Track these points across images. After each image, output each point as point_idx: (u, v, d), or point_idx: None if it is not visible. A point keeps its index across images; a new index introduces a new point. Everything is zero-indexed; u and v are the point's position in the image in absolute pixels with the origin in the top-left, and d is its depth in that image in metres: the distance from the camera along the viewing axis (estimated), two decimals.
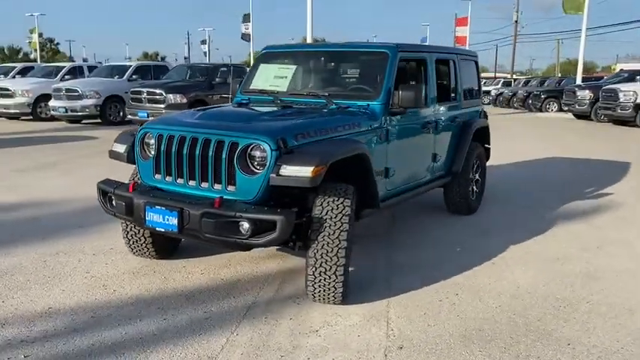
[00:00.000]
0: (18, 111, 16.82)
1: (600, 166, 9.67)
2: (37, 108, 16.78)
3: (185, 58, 67.72)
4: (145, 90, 13.89)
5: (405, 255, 4.81)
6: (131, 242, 4.41)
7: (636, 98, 16.53)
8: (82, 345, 3.18)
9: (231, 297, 3.89)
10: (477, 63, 6.59)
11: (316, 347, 3.22)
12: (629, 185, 7.96)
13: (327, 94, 4.67)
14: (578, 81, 23.82)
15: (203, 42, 52.52)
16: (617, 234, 5.54)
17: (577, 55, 25.19)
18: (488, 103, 35.50)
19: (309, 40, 17.09)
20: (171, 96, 13.55)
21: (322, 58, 5.25)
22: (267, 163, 3.51)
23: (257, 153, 3.56)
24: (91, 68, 19.01)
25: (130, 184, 3.97)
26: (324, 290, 3.61)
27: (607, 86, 18.25)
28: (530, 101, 26.64)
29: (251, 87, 5.19)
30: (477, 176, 6.32)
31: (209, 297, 3.88)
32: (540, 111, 25.02)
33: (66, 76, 17.92)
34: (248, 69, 5.48)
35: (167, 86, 13.98)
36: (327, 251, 3.51)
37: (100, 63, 25.69)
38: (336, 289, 3.60)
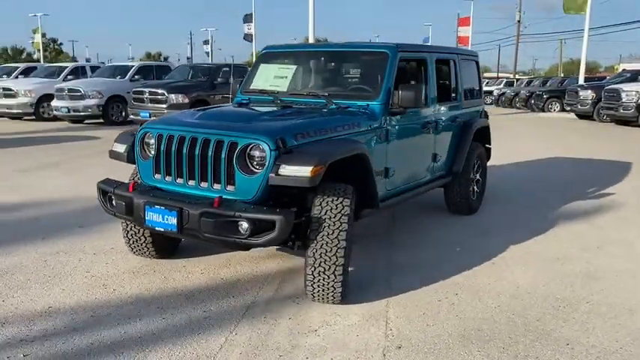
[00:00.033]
0: (21, 111, 16.87)
1: (602, 166, 9.65)
2: (39, 108, 16.85)
3: (188, 58, 67.89)
4: (147, 90, 13.92)
5: (404, 255, 4.82)
6: (131, 242, 4.42)
7: (639, 98, 16.49)
8: (81, 344, 3.19)
9: (231, 296, 3.90)
10: (477, 63, 6.58)
11: (315, 347, 3.22)
12: (631, 185, 7.94)
13: (327, 94, 4.67)
14: (581, 81, 23.76)
15: (205, 42, 52.53)
16: (618, 234, 5.53)
17: (580, 55, 25.16)
18: (491, 103, 35.46)
19: (310, 40, 17.09)
20: (173, 96, 13.58)
21: (322, 58, 5.26)
22: (267, 163, 3.51)
23: (256, 153, 3.57)
24: (93, 68, 19.07)
25: (129, 183, 3.98)
26: (323, 290, 3.61)
27: (609, 86, 18.21)
28: (532, 101, 26.59)
29: (251, 87, 5.19)
30: (478, 176, 6.31)
31: (208, 296, 3.89)
32: (543, 111, 24.98)
33: (68, 77, 17.98)
34: (249, 69, 5.48)
35: (169, 86, 14.01)
36: (326, 251, 3.52)
37: (103, 63, 25.75)
38: (335, 288, 3.60)
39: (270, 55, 5.43)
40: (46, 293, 3.89)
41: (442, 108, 5.49)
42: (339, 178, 3.83)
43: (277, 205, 3.60)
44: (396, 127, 4.65)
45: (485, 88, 38.15)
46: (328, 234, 3.52)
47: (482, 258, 4.72)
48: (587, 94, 19.60)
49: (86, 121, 16.40)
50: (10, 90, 16.80)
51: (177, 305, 3.74)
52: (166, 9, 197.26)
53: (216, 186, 3.67)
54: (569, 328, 3.49)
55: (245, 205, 3.51)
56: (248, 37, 30.51)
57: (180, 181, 3.82)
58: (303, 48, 5.46)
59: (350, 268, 3.95)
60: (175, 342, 3.24)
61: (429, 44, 5.76)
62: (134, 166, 4.22)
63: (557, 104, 24.50)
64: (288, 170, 3.46)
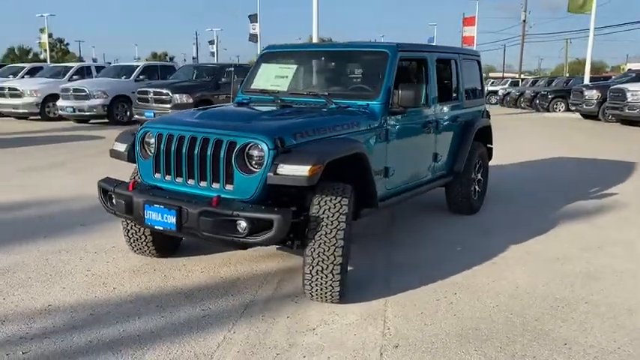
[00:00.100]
0: (26, 111, 16.95)
1: (606, 167, 9.62)
2: (45, 108, 16.92)
3: (193, 58, 68.01)
4: (151, 90, 13.98)
5: (404, 254, 4.82)
6: (132, 240, 4.44)
7: None
8: (80, 342, 3.21)
9: (230, 295, 3.92)
10: (479, 63, 6.58)
11: (312, 345, 3.23)
12: (634, 185, 7.91)
13: (327, 93, 4.68)
14: (586, 81, 23.68)
15: (211, 42, 52.72)
16: (619, 234, 5.51)
17: (586, 55, 25.04)
18: (496, 103, 35.41)
19: (315, 40, 17.11)
20: (177, 96, 13.63)
21: (323, 58, 5.27)
22: (265, 162, 3.53)
23: (255, 152, 3.58)
24: (99, 68, 19.16)
25: (129, 182, 4.01)
26: (322, 289, 3.62)
27: (615, 86, 18.13)
28: (537, 101, 26.52)
29: (252, 87, 5.21)
30: (479, 176, 6.30)
31: (208, 295, 3.91)
32: (548, 111, 24.89)
33: (74, 77, 18.06)
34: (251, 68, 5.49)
35: (173, 86, 14.06)
36: (324, 250, 3.53)
37: (109, 63, 25.83)
38: (333, 287, 3.61)
39: (271, 55, 5.44)
40: (47, 291, 3.92)
41: (443, 107, 5.49)
42: (339, 178, 3.83)
43: (276, 205, 3.61)
44: (396, 126, 4.66)
45: (490, 88, 38.41)
46: (326, 233, 3.53)
47: (482, 258, 4.72)
48: (593, 94, 19.52)
49: (91, 121, 16.47)
50: (16, 90, 16.89)
51: (177, 304, 3.76)
52: (173, 9, 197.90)
53: (215, 185, 3.69)
54: (568, 328, 3.48)
55: (243, 204, 3.52)
56: (253, 39, 30.56)
57: (179, 180, 3.84)
58: (303, 48, 5.48)
59: (349, 268, 3.98)
60: (174, 340, 3.26)
61: (429, 44, 5.74)
62: (135, 165, 4.25)
63: (563, 104, 24.42)
64: (286, 169, 3.47)
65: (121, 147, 4.24)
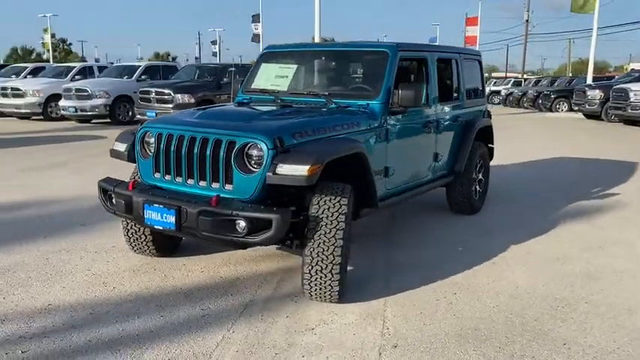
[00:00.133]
0: (29, 111, 16.99)
1: (609, 167, 9.59)
2: (47, 108, 16.97)
3: (196, 58, 68.10)
4: (153, 90, 14.00)
5: (404, 254, 4.81)
6: (132, 240, 4.45)
7: None
8: (79, 341, 3.21)
9: (229, 295, 3.92)
10: (480, 62, 6.57)
11: (311, 345, 3.23)
12: (636, 185, 7.90)
13: (327, 93, 4.68)
14: (589, 80, 23.62)
15: (213, 42, 52.75)
16: (620, 234, 5.50)
17: (589, 55, 24.99)
18: (498, 103, 35.37)
19: (317, 40, 17.10)
20: (179, 96, 13.65)
21: (323, 58, 5.27)
22: (264, 162, 3.53)
23: (254, 152, 3.58)
24: (101, 68, 19.18)
25: (129, 182, 4.01)
26: (321, 288, 3.62)
27: (617, 86, 18.09)
28: (540, 101, 26.45)
29: (252, 86, 5.21)
30: (480, 176, 6.29)
31: (207, 295, 3.91)
32: (550, 111, 24.84)
33: (76, 77, 18.10)
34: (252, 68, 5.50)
35: (175, 86, 14.08)
36: (323, 250, 3.52)
37: (112, 63, 25.91)
38: (332, 287, 3.61)
39: (271, 55, 5.45)
40: (47, 291, 3.92)
41: (444, 107, 5.48)
42: (339, 178, 3.83)
43: (276, 204, 3.61)
44: (396, 126, 4.65)
45: (492, 88, 38.35)
46: (325, 233, 3.53)
47: (482, 258, 4.71)
48: (595, 94, 19.48)
49: (93, 121, 16.51)
50: (19, 90, 16.94)
51: (176, 303, 3.77)
52: (175, 9, 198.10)
53: (215, 185, 3.69)
54: (567, 328, 3.47)
55: (242, 203, 3.52)
56: (255, 38, 30.55)
57: (179, 179, 3.84)
58: (303, 47, 5.47)
59: (349, 267, 3.98)
60: (173, 340, 3.26)
61: (429, 43, 5.74)
62: (135, 165, 4.25)
63: (565, 104, 24.36)
64: (285, 169, 3.47)
65: (121, 147, 4.25)
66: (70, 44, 76.97)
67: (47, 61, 43.46)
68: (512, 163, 9.44)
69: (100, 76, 17.88)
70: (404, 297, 3.91)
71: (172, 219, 3.62)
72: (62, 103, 16.09)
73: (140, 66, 17.64)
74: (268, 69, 5.29)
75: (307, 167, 3.43)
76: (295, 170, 3.45)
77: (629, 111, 16.84)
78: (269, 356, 3.10)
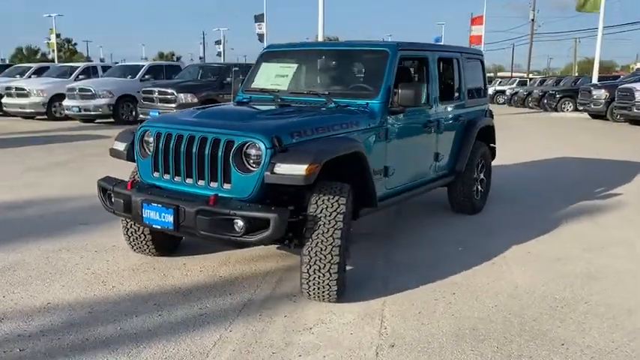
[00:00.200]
0: (33, 110, 17.06)
1: (613, 167, 9.55)
2: (51, 107, 17.03)
3: (200, 58, 68.17)
4: (156, 90, 14.03)
5: (404, 254, 4.80)
6: (131, 239, 4.46)
7: None
8: (76, 340, 3.22)
9: (228, 294, 3.92)
10: (482, 62, 6.55)
11: (308, 344, 3.23)
12: (638, 186, 7.85)
13: (327, 92, 4.68)
14: (595, 80, 23.53)
15: (218, 42, 52.86)
16: (621, 234, 5.47)
17: (595, 54, 24.88)
18: (503, 103, 35.28)
19: (320, 39, 17.10)
20: (182, 95, 13.67)
21: (323, 57, 5.26)
22: (262, 161, 3.52)
23: (252, 151, 3.58)
24: (105, 68, 19.26)
25: (128, 181, 4.02)
26: (319, 288, 3.62)
27: (623, 85, 18.01)
28: (545, 101, 26.40)
29: (252, 86, 5.21)
30: (482, 175, 6.27)
31: (206, 294, 3.91)
32: (555, 111, 24.77)
33: (80, 76, 18.17)
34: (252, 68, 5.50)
35: (178, 86, 14.10)
36: (321, 249, 3.52)
37: (116, 63, 25.96)
38: (330, 287, 3.60)
39: (272, 54, 5.45)
40: (46, 290, 3.94)
41: (445, 107, 5.47)
42: (338, 177, 3.83)
43: (275, 204, 3.61)
44: (396, 125, 4.64)
45: (497, 88, 38.22)
46: (323, 232, 3.52)
47: (482, 258, 4.69)
48: (601, 94, 19.40)
49: (97, 121, 16.56)
50: (23, 90, 17.01)
51: (175, 302, 3.77)
52: (180, 9, 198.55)
53: (213, 184, 3.69)
54: (566, 328, 3.46)
55: (240, 203, 3.52)
56: (260, 38, 30.60)
57: (178, 179, 3.85)
58: (303, 47, 5.46)
59: (348, 267, 3.97)
60: (170, 338, 3.27)
61: (430, 43, 5.72)
62: (135, 164, 4.26)
63: (571, 104, 24.29)
64: (283, 168, 3.47)
65: (121, 146, 4.26)
66: (75, 44, 77.39)
67: (52, 61, 43.66)
68: (515, 163, 9.42)
69: (104, 76, 17.94)
70: (403, 297, 3.91)
71: (170, 218, 3.63)
72: (66, 102, 16.16)
73: (143, 66, 17.68)
74: (268, 68, 5.29)
75: (305, 167, 3.43)
76: (293, 170, 3.45)
77: (635, 111, 16.76)
78: (266, 355, 3.10)
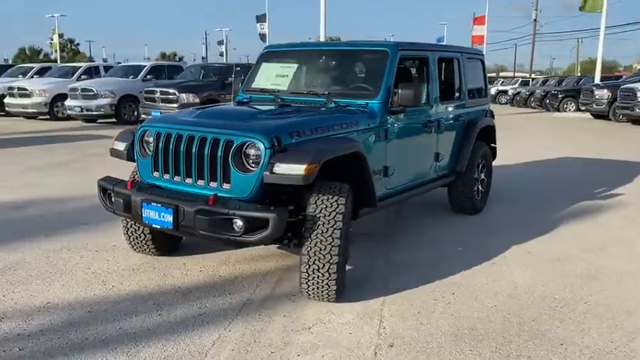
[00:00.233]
0: (35, 110, 17.11)
1: (615, 167, 9.53)
2: (53, 107, 17.08)
3: (203, 58, 68.30)
4: (158, 90, 14.06)
5: (404, 254, 4.80)
6: (132, 239, 4.46)
7: None
8: (76, 339, 3.23)
9: (228, 294, 3.92)
10: (483, 62, 6.55)
11: (307, 344, 3.23)
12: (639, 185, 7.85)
13: (327, 92, 4.68)
14: (597, 80, 23.48)
15: (220, 42, 52.92)
16: (622, 235, 5.46)
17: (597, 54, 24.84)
18: (506, 103, 35.24)
19: (322, 39, 17.10)
20: (184, 95, 13.70)
21: (323, 57, 5.26)
22: (261, 161, 3.53)
23: (251, 151, 3.58)
24: (107, 68, 19.29)
25: (128, 181, 4.03)
26: (318, 288, 3.62)
27: (625, 85, 17.98)
28: (547, 101, 26.34)
29: (253, 86, 5.22)
30: (483, 176, 6.27)
31: (205, 294, 3.92)
32: (558, 111, 24.72)
33: (82, 76, 18.21)
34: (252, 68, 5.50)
35: (180, 86, 14.13)
36: (320, 249, 3.52)
37: (119, 63, 25.99)
38: (329, 286, 3.60)
39: (272, 54, 5.45)
40: (46, 289, 3.95)
41: (445, 107, 5.47)
42: (337, 177, 3.83)
43: (274, 204, 3.61)
44: (396, 125, 4.64)
45: (500, 88, 38.16)
46: (322, 232, 3.52)
47: (482, 258, 4.69)
48: (603, 94, 19.37)
49: (99, 121, 16.60)
50: (25, 90, 17.06)
51: (174, 302, 3.78)
52: (182, 9, 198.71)
53: (213, 184, 3.70)
54: (565, 328, 3.46)
55: (240, 203, 3.53)
56: (262, 38, 30.60)
57: (177, 179, 3.85)
58: (303, 47, 5.46)
59: (348, 267, 3.98)
60: (169, 338, 3.27)
61: (430, 43, 5.70)
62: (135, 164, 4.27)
63: (573, 104, 24.23)
64: (282, 168, 3.47)
65: (121, 146, 4.27)
66: (78, 44, 77.57)
67: (55, 61, 43.78)
68: (517, 163, 9.41)
69: (106, 76, 17.98)
70: (402, 297, 3.91)
71: (170, 218, 3.63)
72: (68, 102, 16.20)
73: (145, 66, 17.71)
74: (269, 68, 5.29)
75: (304, 166, 3.44)
76: (292, 169, 3.46)
77: (637, 111, 16.74)
78: (264, 355, 3.10)
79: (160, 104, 13.81)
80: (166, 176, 3.91)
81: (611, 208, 6.52)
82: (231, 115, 4.33)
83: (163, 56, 79.87)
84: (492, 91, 36.61)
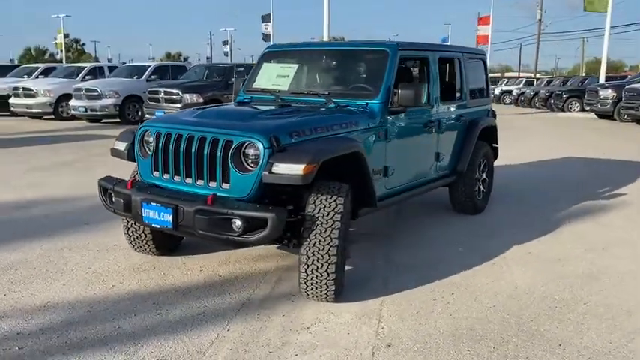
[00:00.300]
0: (40, 110, 17.18)
1: (618, 167, 9.50)
2: (58, 107, 17.15)
3: (207, 58, 68.39)
4: (162, 90, 14.08)
5: (404, 254, 4.80)
6: (132, 238, 4.48)
7: None
8: (75, 338, 3.25)
9: (227, 293, 3.94)
10: (484, 62, 6.54)
11: (305, 344, 3.24)
12: None
13: (327, 92, 4.68)
14: (602, 80, 23.40)
15: (225, 43, 52.99)
16: (624, 235, 5.44)
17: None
18: (510, 103, 35.13)
19: (325, 39, 17.11)
20: (187, 95, 13.72)
21: (324, 57, 5.27)
22: (260, 161, 3.54)
23: (250, 151, 3.59)
24: (111, 68, 19.36)
25: (128, 181, 4.04)
26: (317, 287, 3.63)
27: (630, 85, 17.91)
28: (552, 101, 26.27)
29: (253, 86, 5.23)
30: (484, 176, 6.26)
31: (205, 293, 3.93)
32: (562, 111, 24.66)
33: (87, 76, 18.27)
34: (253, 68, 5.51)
35: (184, 86, 14.16)
36: (319, 249, 3.53)
37: (124, 63, 26.08)
38: (328, 286, 3.61)
39: (273, 54, 5.46)
40: (47, 288, 3.97)
41: (446, 107, 5.46)
42: (337, 177, 3.83)
43: (273, 203, 3.62)
44: (396, 125, 4.64)
45: (504, 88, 38.06)
46: (321, 232, 3.53)
47: (482, 258, 4.69)
48: (608, 94, 19.29)
49: (103, 121, 16.66)
50: (30, 90, 17.14)
51: (174, 301, 3.79)
52: (187, 10, 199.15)
53: (212, 184, 3.71)
54: (564, 328, 3.45)
55: (238, 202, 3.54)
56: (266, 38, 30.64)
57: (177, 178, 3.87)
58: (304, 47, 5.47)
59: (348, 267, 3.98)
60: (168, 337, 3.28)
61: (431, 43, 5.68)
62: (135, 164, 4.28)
63: (577, 104, 24.16)
64: (281, 168, 3.48)
65: (121, 146, 4.30)
66: (84, 44, 77.86)
67: (60, 61, 43.91)
68: (520, 163, 9.39)
69: (110, 76, 18.04)
70: (401, 297, 3.91)
71: (169, 218, 3.65)
72: (73, 102, 16.26)
73: (150, 66, 17.76)
74: (269, 68, 5.30)
75: (303, 166, 3.44)
76: (291, 169, 3.46)
77: None
78: (262, 354, 3.11)
79: (164, 104, 13.83)
80: (166, 176, 3.92)
81: (614, 208, 6.50)
82: (230, 115, 4.34)
83: (168, 56, 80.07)
84: (497, 91, 36.54)
